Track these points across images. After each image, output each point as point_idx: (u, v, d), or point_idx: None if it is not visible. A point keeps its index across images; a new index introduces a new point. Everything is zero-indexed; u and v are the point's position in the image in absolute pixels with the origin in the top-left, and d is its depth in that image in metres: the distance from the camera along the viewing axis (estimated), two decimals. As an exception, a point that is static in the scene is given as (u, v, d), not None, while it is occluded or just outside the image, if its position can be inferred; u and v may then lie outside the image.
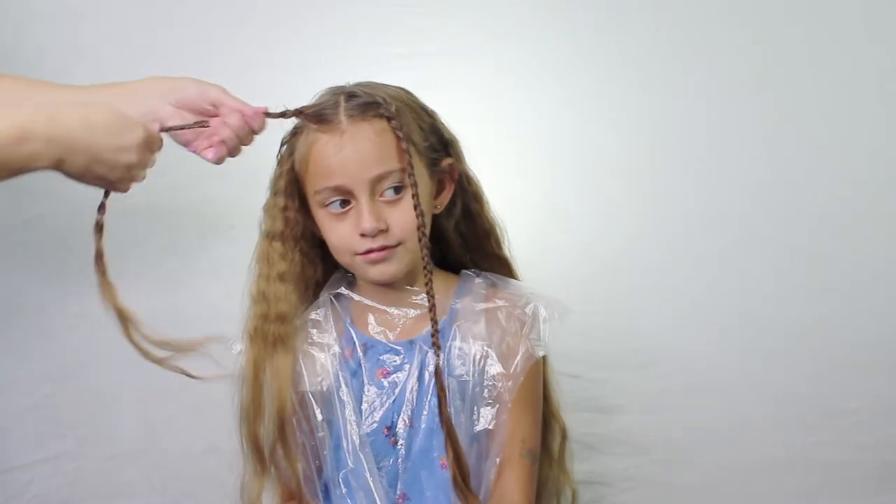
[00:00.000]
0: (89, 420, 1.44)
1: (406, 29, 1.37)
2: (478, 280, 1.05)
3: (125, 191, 0.90)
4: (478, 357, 0.99)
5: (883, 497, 1.37)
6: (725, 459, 1.38)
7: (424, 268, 0.95)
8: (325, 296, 1.07)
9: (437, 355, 0.94)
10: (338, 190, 0.96)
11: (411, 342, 1.02)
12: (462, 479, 0.93)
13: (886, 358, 1.36)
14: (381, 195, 0.96)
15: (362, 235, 0.96)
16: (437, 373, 0.93)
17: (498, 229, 1.09)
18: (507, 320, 1.00)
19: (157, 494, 1.45)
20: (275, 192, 1.02)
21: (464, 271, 1.07)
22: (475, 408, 0.99)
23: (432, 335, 0.93)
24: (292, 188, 1.01)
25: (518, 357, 0.98)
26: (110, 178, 0.86)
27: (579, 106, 1.38)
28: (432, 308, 0.93)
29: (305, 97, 1.27)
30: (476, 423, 0.98)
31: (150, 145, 0.89)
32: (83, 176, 0.85)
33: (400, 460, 1.00)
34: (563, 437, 1.13)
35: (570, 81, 1.38)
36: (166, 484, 1.45)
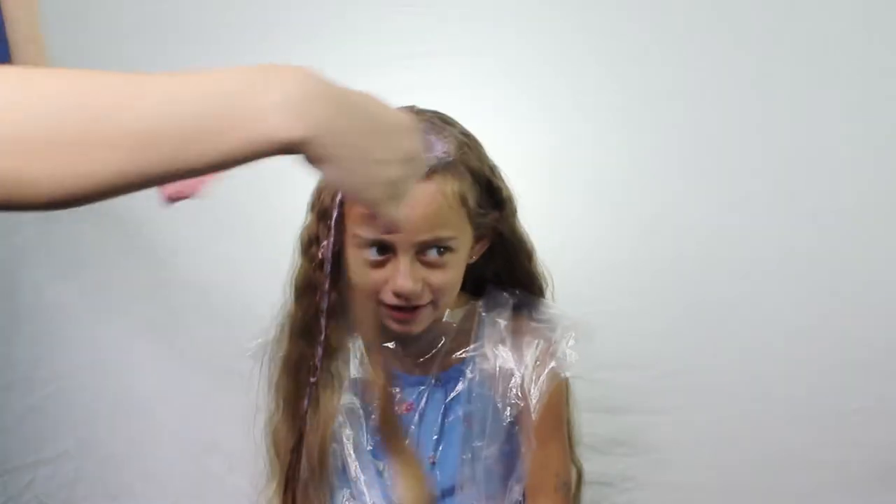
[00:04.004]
0: (89, 420, 1.44)
1: (406, 29, 1.37)
2: (504, 294, 1.02)
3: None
4: (504, 378, 0.97)
5: (883, 497, 1.37)
6: (725, 459, 1.38)
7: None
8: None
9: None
10: (380, 242, 0.90)
11: (436, 377, 1.00)
12: None
13: (886, 358, 1.35)
14: (424, 254, 0.90)
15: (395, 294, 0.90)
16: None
17: (544, 281, 1.04)
18: (535, 340, 0.98)
19: (157, 494, 1.45)
20: (321, 216, 0.93)
21: (489, 286, 1.03)
22: (498, 430, 0.96)
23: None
24: (337, 214, 0.92)
25: (543, 375, 0.96)
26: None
27: (582, 106, 1.38)
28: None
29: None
30: (494, 445, 0.96)
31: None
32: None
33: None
34: (579, 479, 1.10)
35: (572, 82, 1.38)
36: (166, 484, 1.45)
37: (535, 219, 1.35)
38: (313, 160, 0.52)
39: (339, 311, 0.95)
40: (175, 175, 0.48)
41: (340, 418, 0.98)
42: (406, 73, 1.33)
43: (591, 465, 1.34)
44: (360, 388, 1.00)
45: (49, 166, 0.44)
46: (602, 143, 1.38)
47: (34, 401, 1.42)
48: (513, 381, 0.96)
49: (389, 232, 0.84)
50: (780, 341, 1.36)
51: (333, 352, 0.96)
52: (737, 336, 1.37)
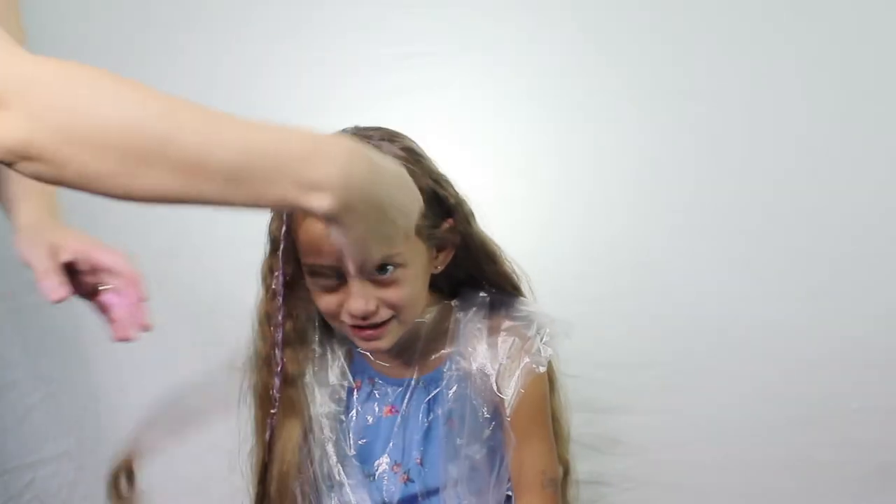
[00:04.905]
0: (89, 420, 1.44)
1: (406, 29, 1.37)
2: (480, 293, 1.02)
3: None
4: (480, 375, 0.97)
5: (883, 497, 1.37)
6: (725, 460, 1.38)
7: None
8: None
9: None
10: (328, 268, 0.90)
11: (417, 380, 1.01)
12: None
13: (885, 358, 1.35)
14: (372, 274, 0.90)
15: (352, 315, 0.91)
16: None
17: (516, 277, 1.04)
18: (510, 338, 0.98)
19: (158, 494, 1.45)
20: (274, 248, 0.94)
21: (464, 287, 1.03)
22: (478, 428, 0.97)
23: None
24: (291, 242, 0.93)
25: (518, 371, 0.96)
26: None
27: (583, 106, 1.38)
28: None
29: (300, 97, 1.27)
30: (476, 443, 0.97)
31: None
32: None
33: (419, 496, 1.00)
34: (566, 475, 1.10)
35: (573, 81, 1.38)
36: (166, 484, 1.45)
37: (535, 218, 1.36)
38: (330, 224, 0.61)
39: (298, 340, 0.96)
40: (216, 204, 0.57)
41: (325, 421, 0.99)
42: (406, 73, 1.34)
43: (590, 464, 1.35)
44: (341, 394, 1.01)
45: (121, 171, 0.51)
46: (603, 144, 1.38)
47: (34, 401, 1.42)
48: (489, 378, 0.97)
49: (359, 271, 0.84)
50: (781, 341, 1.36)
51: (293, 382, 0.97)
52: (737, 336, 1.37)
